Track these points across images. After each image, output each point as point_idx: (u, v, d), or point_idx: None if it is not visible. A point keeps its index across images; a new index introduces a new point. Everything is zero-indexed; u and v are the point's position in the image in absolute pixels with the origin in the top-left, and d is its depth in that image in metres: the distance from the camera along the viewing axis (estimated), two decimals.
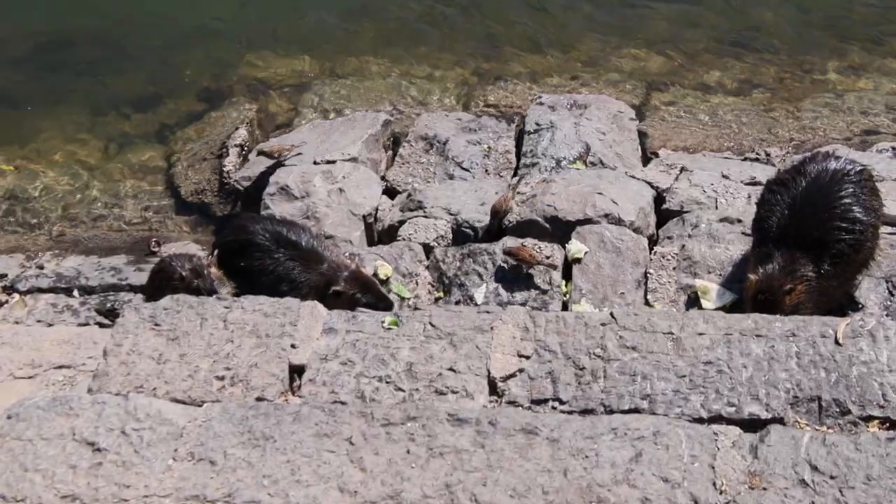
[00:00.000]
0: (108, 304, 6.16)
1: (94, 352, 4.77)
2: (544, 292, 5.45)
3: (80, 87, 9.41)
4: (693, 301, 5.34)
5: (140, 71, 9.57)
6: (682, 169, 6.71)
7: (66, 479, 3.58)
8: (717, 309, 5.09)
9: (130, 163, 8.55)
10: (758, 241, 5.07)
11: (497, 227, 6.02)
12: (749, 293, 4.82)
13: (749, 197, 6.28)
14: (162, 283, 5.27)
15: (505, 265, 5.57)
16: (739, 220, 5.77)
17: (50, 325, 5.86)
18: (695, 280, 5.42)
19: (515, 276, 5.54)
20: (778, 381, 3.89)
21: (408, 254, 5.91)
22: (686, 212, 6.17)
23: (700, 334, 4.12)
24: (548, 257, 5.59)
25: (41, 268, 6.93)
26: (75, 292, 6.34)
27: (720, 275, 5.44)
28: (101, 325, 5.84)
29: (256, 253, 5.35)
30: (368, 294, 5.29)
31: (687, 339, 4.10)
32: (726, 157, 7.44)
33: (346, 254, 5.75)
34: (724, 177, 6.61)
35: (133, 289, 6.28)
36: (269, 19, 10.15)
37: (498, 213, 6.05)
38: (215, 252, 5.71)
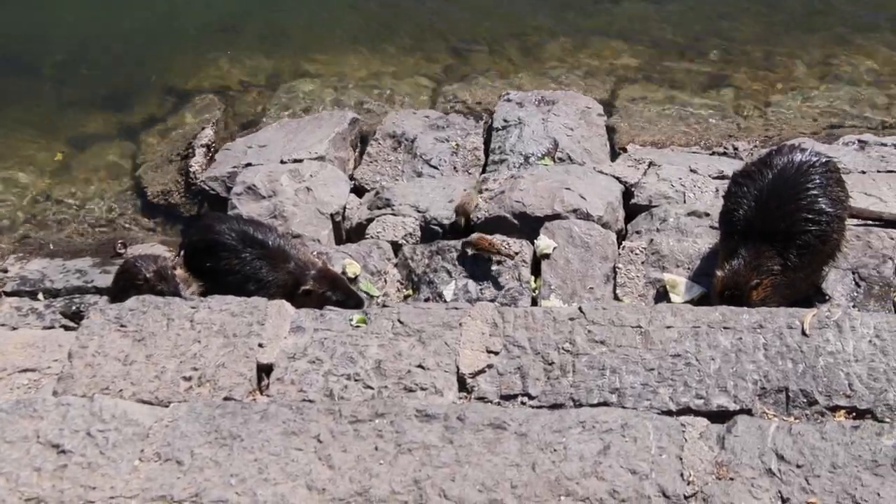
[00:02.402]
0: (74, 307, 6.13)
1: (60, 354, 4.75)
2: (513, 288, 5.47)
3: (43, 87, 9.35)
4: (662, 295, 5.37)
5: (104, 70, 9.52)
6: (651, 164, 6.75)
7: (31, 482, 3.56)
8: (685, 302, 5.13)
9: (95, 164, 8.50)
10: (725, 234, 5.10)
11: (464, 226, 6.04)
12: (716, 290, 4.86)
13: (717, 191, 6.33)
14: (126, 285, 5.25)
15: (465, 255, 5.58)
16: (707, 214, 5.81)
17: (14, 328, 5.82)
18: (663, 274, 5.46)
19: (484, 273, 5.55)
20: (746, 373, 3.93)
21: (376, 252, 5.91)
22: (654, 206, 6.21)
23: (668, 327, 4.15)
24: (513, 250, 5.60)
25: (5, 271, 6.88)
26: (40, 295, 6.31)
27: (688, 268, 5.48)
28: (67, 328, 5.81)
29: (223, 253, 5.34)
30: (338, 291, 5.30)
31: (655, 333, 4.13)
32: (694, 152, 7.49)
33: (314, 252, 5.75)
34: (692, 171, 6.65)
35: (99, 291, 6.26)
36: (236, 17, 10.12)
37: (462, 213, 6.07)
38: (182, 253, 5.69)
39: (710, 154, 7.47)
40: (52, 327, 5.86)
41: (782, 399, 3.84)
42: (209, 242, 5.43)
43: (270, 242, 5.39)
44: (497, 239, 5.65)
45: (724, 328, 4.11)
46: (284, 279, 5.30)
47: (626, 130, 8.11)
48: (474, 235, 5.65)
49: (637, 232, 5.99)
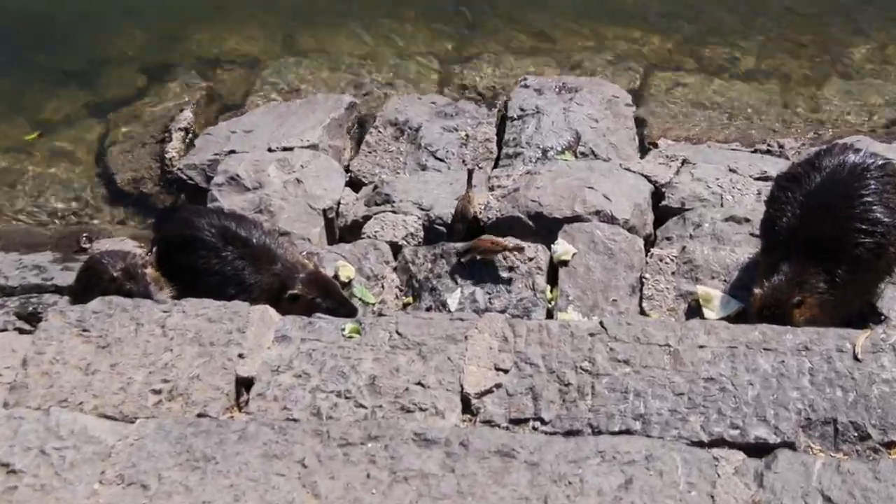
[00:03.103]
0: (30, 307, 6.11)
1: (12, 361, 4.70)
2: (526, 298, 5.46)
3: (1, 59, 9.33)
4: (694, 310, 5.35)
5: (73, 43, 9.51)
6: (684, 161, 6.73)
7: None
8: (720, 319, 5.11)
9: (60, 146, 8.51)
10: (766, 244, 5.08)
11: (464, 232, 6.01)
12: (754, 308, 4.83)
13: (759, 193, 6.31)
14: (90, 284, 5.23)
15: (472, 261, 5.58)
16: (747, 220, 5.79)
17: None
18: (696, 286, 5.44)
19: (494, 280, 5.53)
20: (788, 401, 3.90)
21: (373, 253, 5.90)
22: (688, 209, 6.20)
23: (701, 347, 4.13)
24: (525, 254, 5.58)
25: None
26: None
27: (725, 281, 5.46)
28: (22, 331, 5.76)
29: (201, 250, 5.32)
30: (329, 299, 5.27)
31: (686, 353, 4.11)
32: (734, 149, 7.48)
33: (304, 253, 5.74)
34: (732, 171, 6.64)
35: (59, 290, 6.24)
36: None
37: (463, 216, 6.05)
38: (154, 250, 5.68)
39: (753, 152, 7.46)
40: (4, 329, 5.83)
41: (830, 432, 3.82)
42: (186, 238, 5.41)
43: (255, 240, 5.37)
44: (509, 240, 5.63)
45: (765, 349, 4.08)
46: (269, 282, 5.28)
47: (657, 123, 8.11)
48: (472, 241, 5.63)
49: (667, 238, 5.97)
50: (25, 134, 8.60)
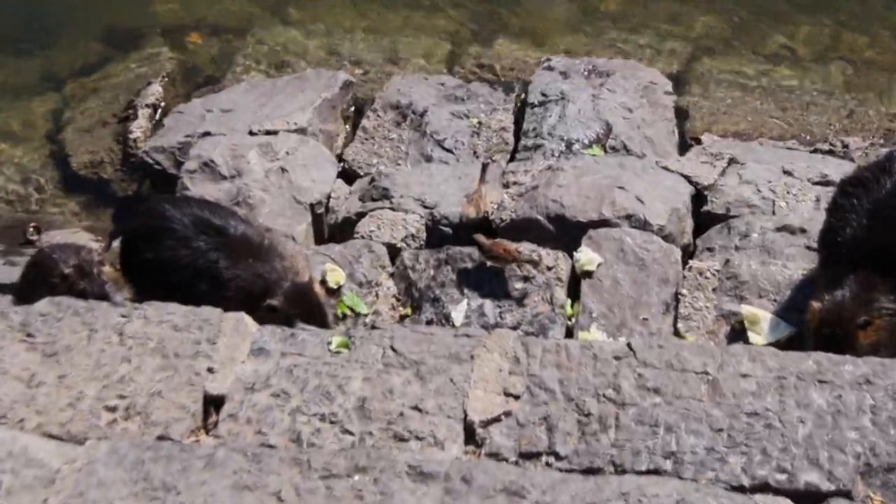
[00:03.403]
0: None
1: None
2: (543, 314, 5.47)
3: None
4: (738, 333, 5.36)
5: (22, 2, 9.53)
6: (731, 160, 6.74)
7: None
8: (768, 344, 5.11)
9: (6, 122, 8.55)
10: (826, 257, 5.09)
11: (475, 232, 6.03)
12: (812, 325, 4.84)
13: (818, 200, 6.32)
14: (38, 281, 5.26)
15: (481, 265, 5.59)
16: (803, 230, 5.80)
17: None
18: (741, 306, 5.44)
19: (506, 292, 5.55)
20: (845, 443, 3.90)
21: (367, 256, 5.91)
22: (734, 216, 6.21)
23: (744, 376, 4.13)
24: (543, 263, 5.60)
25: None
26: None
27: (774, 300, 5.46)
28: None
29: (169, 240, 5.32)
30: (311, 322, 5.21)
31: (727, 382, 4.11)
32: (790, 148, 7.48)
33: (296, 252, 5.68)
34: (786, 173, 6.64)
35: (1, 288, 6.25)
36: None
37: (470, 218, 6.07)
38: (115, 244, 5.69)
39: (812, 152, 7.45)
40: None
41: (893, 481, 3.82)
42: (153, 229, 5.41)
43: (232, 230, 5.36)
44: (524, 248, 5.64)
45: (820, 382, 4.08)
46: (250, 281, 5.26)
47: (701, 115, 8.11)
48: (485, 241, 5.63)
49: (709, 249, 5.98)
50: None
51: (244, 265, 5.27)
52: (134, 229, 5.66)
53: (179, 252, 5.29)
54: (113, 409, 4.13)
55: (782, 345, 5.11)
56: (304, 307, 5.25)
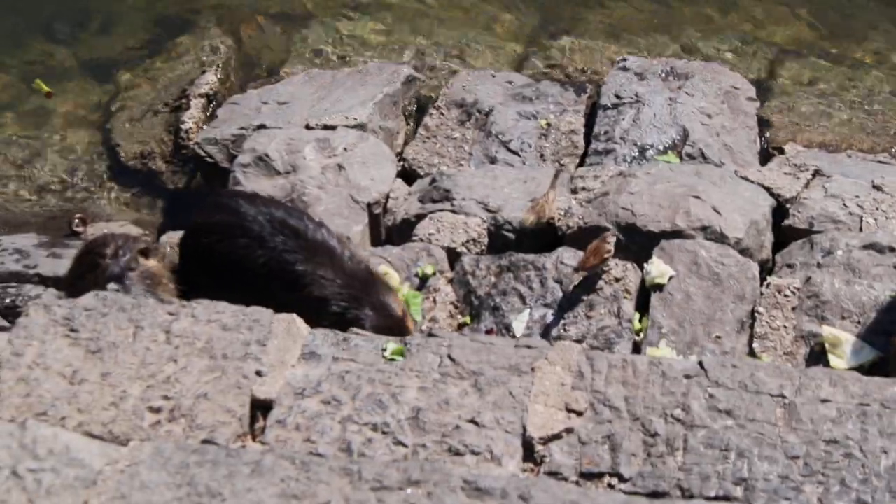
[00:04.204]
0: (8, 299, 6.19)
1: None
2: (609, 327, 5.46)
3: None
4: (817, 356, 5.33)
5: None
6: (816, 172, 6.70)
7: None
8: (850, 369, 5.08)
9: (53, 109, 8.64)
10: None
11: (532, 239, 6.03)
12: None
13: None
14: (86, 271, 5.30)
15: (534, 273, 5.61)
16: (892, 249, 5.75)
17: None
18: (822, 327, 5.41)
19: (571, 302, 5.55)
20: None
21: (426, 260, 5.94)
22: (817, 232, 6.16)
23: (824, 401, 4.11)
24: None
25: None
26: None
27: (858, 323, 5.43)
28: None
29: (242, 239, 5.34)
30: None
31: (804, 407, 4.09)
32: (881, 161, 7.41)
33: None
34: (876, 187, 6.58)
35: (43, 280, 6.32)
36: None
37: (530, 223, 6.08)
38: (163, 238, 5.71)
39: None
40: None
41: None
42: (225, 225, 5.43)
43: (310, 233, 5.37)
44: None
45: None
46: (338, 301, 5.28)
47: (785, 124, 8.07)
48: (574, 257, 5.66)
49: (789, 265, 5.94)
50: (11, 93, 8.70)
51: (330, 278, 5.29)
52: (203, 224, 5.69)
53: (254, 251, 5.32)
54: (157, 411, 4.16)
55: (865, 370, 5.08)
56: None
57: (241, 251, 5.33)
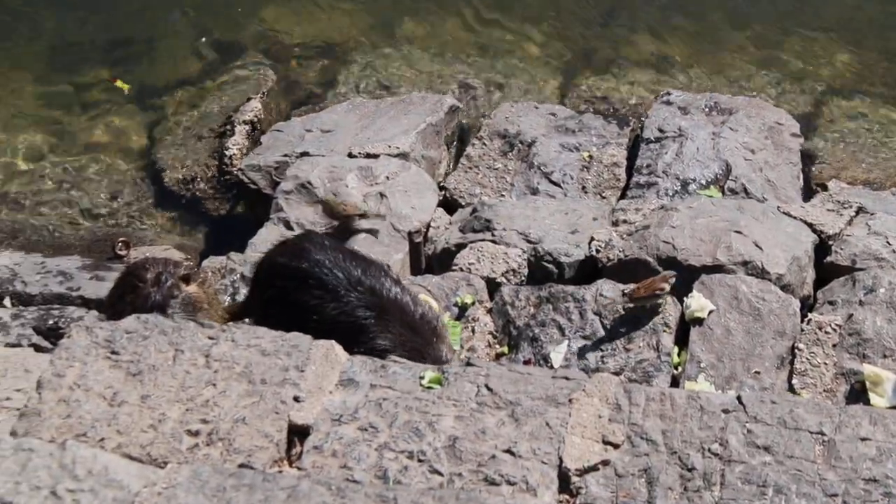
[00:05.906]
0: (51, 321, 6.19)
1: (25, 383, 4.79)
2: (648, 360, 5.46)
3: (37, 28, 9.55)
4: (858, 394, 5.29)
5: (119, 10, 9.74)
6: (860, 210, 6.67)
7: None
8: (891, 407, 5.05)
9: (99, 133, 8.71)
10: None
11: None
12: None
13: None
14: (124, 296, 5.34)
15: (573, 305, 5.61)
16: None
17: None
18: (863, 365, 5.38)
19: (611, 335, 5.55)
20: None
21: (465, 290, 5.95)
22: (859, 269, 6.13)
23: (863, 440, 4.09)
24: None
25: None
26: (6, 300, 6.44)
27: None
28: (38, 348, 5.87)
29: (316, 290, 5.35)
30: None
31: (844, 445, 4.07)
32: None
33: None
34: None
35: (86, 302, 6.35)
36: None
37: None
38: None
39: None
40: (18, 345, 5.92)
41: None
42: (300, 273, 5.44)
43: (385, 292, 5.34)
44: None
45: None
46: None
47: (829, 160, 8.05)
48: (629, 286, 5.66)
49: (831, 302, 5.91)
50: (58, 116, 8.77)
51: (395, 332, 5.27)
52: (280, 266, 5.60)
53: (327, 303, 5.32)
54: (195, 434, 4.18)
55: None
56: None
57: (314, 301, 5.33)
